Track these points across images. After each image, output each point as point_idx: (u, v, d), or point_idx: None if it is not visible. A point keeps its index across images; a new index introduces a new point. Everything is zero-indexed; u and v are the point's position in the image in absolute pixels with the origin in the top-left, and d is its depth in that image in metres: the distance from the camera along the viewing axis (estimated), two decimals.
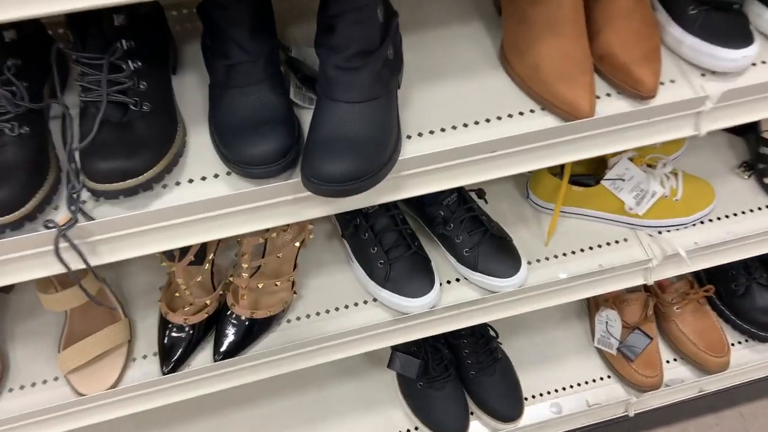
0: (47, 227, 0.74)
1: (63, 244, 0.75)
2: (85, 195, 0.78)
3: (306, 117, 0.84)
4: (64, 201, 0.78)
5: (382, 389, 1.28)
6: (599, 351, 1.32)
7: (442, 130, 0.85)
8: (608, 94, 0.88)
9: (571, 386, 1.29)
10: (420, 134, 0.85)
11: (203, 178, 0.81)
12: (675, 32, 0.90)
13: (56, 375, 1.00)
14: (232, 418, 1.25)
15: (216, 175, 0.81)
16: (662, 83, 0.89)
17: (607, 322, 1.26)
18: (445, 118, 0.86)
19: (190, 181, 0.81)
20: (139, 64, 0.78)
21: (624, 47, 0.86)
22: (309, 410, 1.27)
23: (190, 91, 0.89)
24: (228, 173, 0.81)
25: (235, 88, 0.80)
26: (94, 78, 0.76)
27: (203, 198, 0.77)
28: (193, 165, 0.82)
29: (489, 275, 1.03)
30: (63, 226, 0.73)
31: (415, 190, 0.84)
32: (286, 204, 0.80)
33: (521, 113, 0.87)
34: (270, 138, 0.77)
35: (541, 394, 1.28)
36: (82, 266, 0.77)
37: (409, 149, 0.83)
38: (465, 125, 0.86)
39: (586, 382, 1.30)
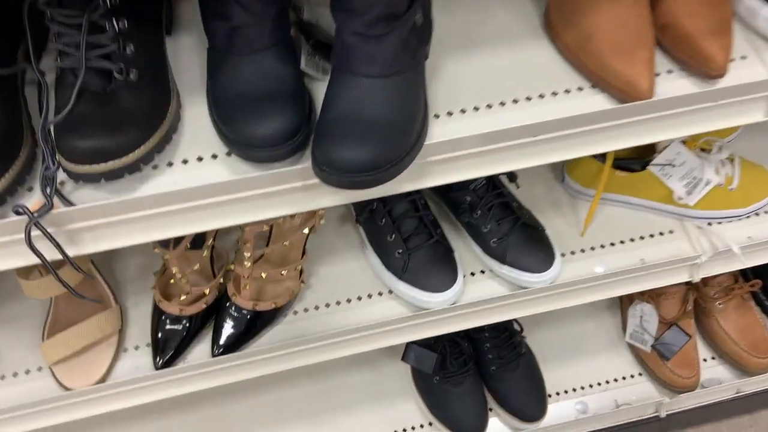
0: (18, 213, 0.64)
1: (37, 232, 0.65)
2: (63, 175, 0.67)
3: (319, 90, 0.73)
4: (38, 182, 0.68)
5: (394, 381, 1.20)
6: (630, 347, 1.22)
7: (475, 108, 0.74)
8: (669, 71, 0.76)
9: (599, 384, 1.20)
10: (449, 113, 0.74)
11: (199, 159, 0.70)
12: (749, 1, 0.77)
13: (40, 365, 0.92)
14: (233, 407, 1.17)
15: (214, 156, 0.71)
16: (732, 60, 0.76)
17: (641, 316, 1.15)
18: (479, 94, 0.75)
19: (185, 162, 0.70)
20: (126, 23, 0.67)
21: (691, 17, 0.74)
22: (316, 400, 1.19)
23: (188, 55, 0.78)
24: (228, 154, 0.70)
25: (237, 56, 0.68)
26: (71, 40, 0.65)
27: (199, 183, 0.66)
28: (188, 143, 0.71)
29: (519, 269, 0.92)
30: (35, 213, 0.63)
31: (441, 178, 0.73)
32: (294, 191, 0.70)
33: (567, 91, 0.75)
34: (276, 115, 0.66)
35: (566, 392, 1.19)
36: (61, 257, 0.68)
37: (437, 131, 0.72)
38: (502, 104, 0.74)
39: (615, 380, 1.20)
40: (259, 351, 0.89)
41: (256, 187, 0.68)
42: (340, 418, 1.17)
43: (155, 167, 0.70)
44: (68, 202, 0.67)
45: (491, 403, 1.15)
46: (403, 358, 1.09)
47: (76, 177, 0.65)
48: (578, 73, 0.76)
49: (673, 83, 0.75)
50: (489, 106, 0.74)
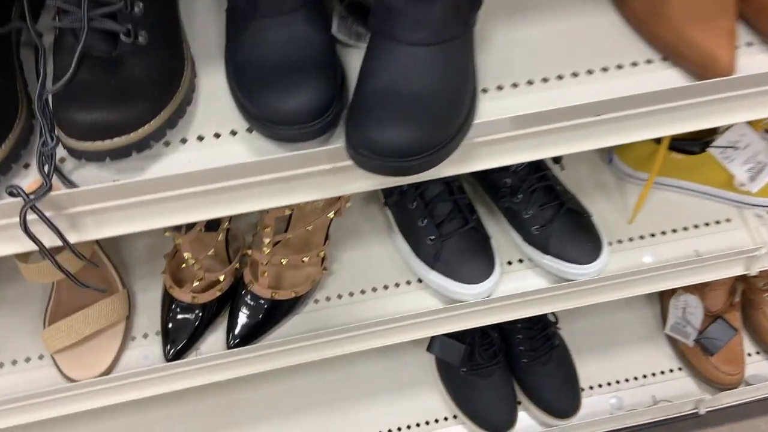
0: (12, 195, 0.56)
1: (33, 216, 0.57)
2: (63, 152, 0.59)
3: (352, 59, 0.64)
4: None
5: (417, 371, 1.13)
6: (670, 339, 1.14)
7: (529, 83, 0.65)
8: (749, 44, 0.67)
9: (635, 378, 1.13)
10: (500, 87, 0.65)
11: (217, 136, 0.62)
12: None
13: (41, 353, 0.85)
14: (248, 394, 1.11)
15: (233, 133, 0.62)
16: None
17: (685, 308, 1.07)
18: (533, 66, 0.66)
19: (200, 138, 0.62)
20: None
21: None
22: (334, 389, 1.12)
23: (204, 17, 0.69)
24: (249, 131, 0.62)
25: (260, 19, 0.60)
26: None
27: (216, 164, 0.58)
28: (204, 118, 0.63)
29: (563, 260, 0.84)
30: (32, 194, 0.55)
31: (489, 161, 0.65)
32: (323, 175, 0.61)
33: (634, 64, 0.66)
34: (305, 88, 0.57)
35: (599, 385, 1.12)
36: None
37: (486, 108, 0.63)
38: (559, 77, 0.65)
39: (653, 374, 1.13)
40: (277, 343, 0.82)
41: (280, 170, 0.60)
42: (359, 409, 1.10)
43: (167, 144, 0.62)
44: (69, 183, 0.60)
45: (520, 396, 1.08)
46: (429, 349, 1.01)
47: (77, 154, 0.57)
48: (647, 44, 0.66)
49: (753, 58, 0.66)
50: (545, 80, 0.65)
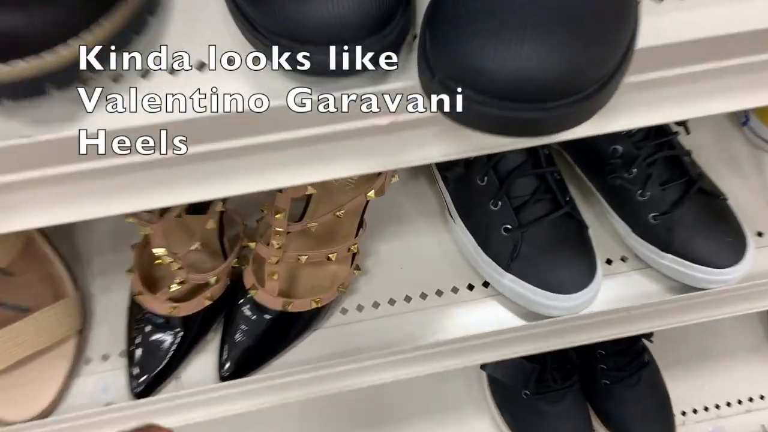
0: None
1: None
2: None
3: None
4: None
5: (463, 388, 0.89)
6: None
7: None
8: None
9: (740, 402, 0.89)
10: None
11: (201, 66, 0.37)
12: None
13: None
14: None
15: (230, 61, 0.37)
16: None
17: None
18: None
19: (173, 71, 0.37)
20: None
21: None
22: (364, 406, 0.88)
23: None
24: (255, 59, 0.37)
25: None
26: None
27: (198, 114, 0.34)
28: (180, 36, 0.38)
29: (692, 261, 0.60)
30: None
31: (643, 115, 0.40)
32: (372, 135, 0.37)
33: None
34: None
35: (695, 411, 0.88)
36: None
37: (651, 26, 0.38)
38: None
39: (762, 397, 0.90)
40: (288, 372, 0.58)
41: (302, 125, 0.36)
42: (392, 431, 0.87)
43: (117, 80, 0.37)
44: None
45: (597, 424, 0.84)
46: (484, 366, 0.78)
47: None
48: None
49: None
50: None
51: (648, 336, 0.81)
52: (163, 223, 0.52)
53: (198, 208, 0.58)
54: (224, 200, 0.58)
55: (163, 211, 0.53)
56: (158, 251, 0.52)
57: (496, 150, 0.38)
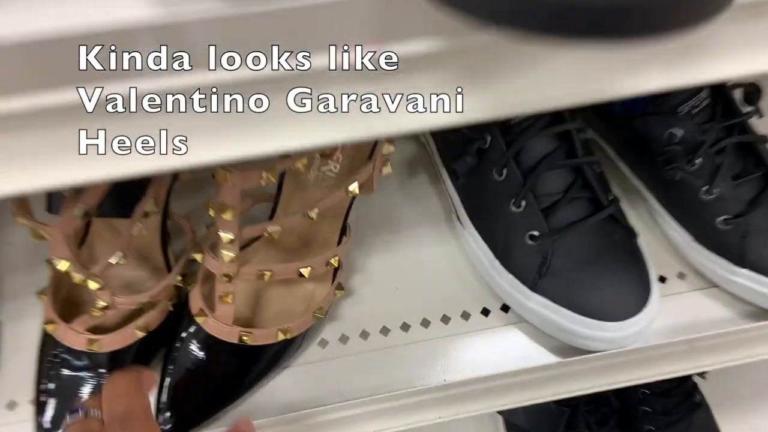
0: None
1: None
2: None
3: None
4: None
5: (476, 428, 0.74)
6: None
7: None
8: None
9: None
10: None
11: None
12: None
13: None
14: None
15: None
16: None
17: None
18: None
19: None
20: None
21: None
22: None
23: None
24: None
25: None
26: None
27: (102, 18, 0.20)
28: None
29: None
30: None
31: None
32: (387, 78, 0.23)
33: None
34: None
35: None
36: None
37: None
38: None
39: None
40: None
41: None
42: None
43: None
44: None
45: None
46: (501, 411, 0.64)
47: None
48: None
49: None
50: None
51: (702, 372, 0.67)
52: (63, 226, 0.38)
53: (120, 207, 0.44)
54: (168, 193, 0.44)
55: (58, 200, 0.39)
56: (61, 265, 0.39)
57: (534, 109, 0.25)
